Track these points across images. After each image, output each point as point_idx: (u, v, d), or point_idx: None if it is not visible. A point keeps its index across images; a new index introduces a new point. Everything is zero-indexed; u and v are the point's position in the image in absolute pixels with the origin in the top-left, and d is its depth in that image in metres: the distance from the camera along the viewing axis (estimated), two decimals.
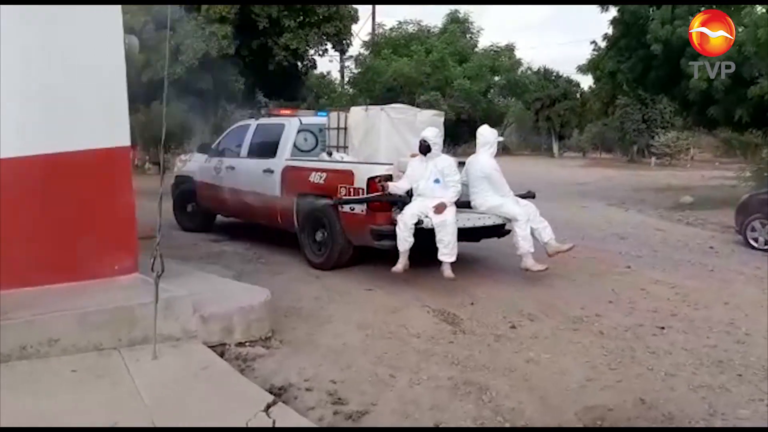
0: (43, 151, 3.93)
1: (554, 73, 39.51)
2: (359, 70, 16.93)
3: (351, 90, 16.81)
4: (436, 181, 6.07)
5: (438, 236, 5.78)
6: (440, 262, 5.84)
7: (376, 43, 18.40)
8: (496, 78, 18.01)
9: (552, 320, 5.07)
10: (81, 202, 4.11)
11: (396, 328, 4.81)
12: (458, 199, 6.16)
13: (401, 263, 5.87)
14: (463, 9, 19.22)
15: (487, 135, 6.54)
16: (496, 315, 5.19)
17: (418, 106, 15.57)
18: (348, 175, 6.35)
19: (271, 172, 7.49)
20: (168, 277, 4.79)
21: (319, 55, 18.11)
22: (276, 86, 18.78)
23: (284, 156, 7.53)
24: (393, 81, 15.59)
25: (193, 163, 9.43)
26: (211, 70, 15.71)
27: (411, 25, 18.28)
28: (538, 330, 4.81)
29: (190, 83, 15.50)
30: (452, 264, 5.86)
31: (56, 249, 4.02)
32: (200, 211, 9.22)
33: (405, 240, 5.79)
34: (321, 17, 16.27)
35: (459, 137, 18.88)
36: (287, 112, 8.63)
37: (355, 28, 18.40)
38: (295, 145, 7.64)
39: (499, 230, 6.61)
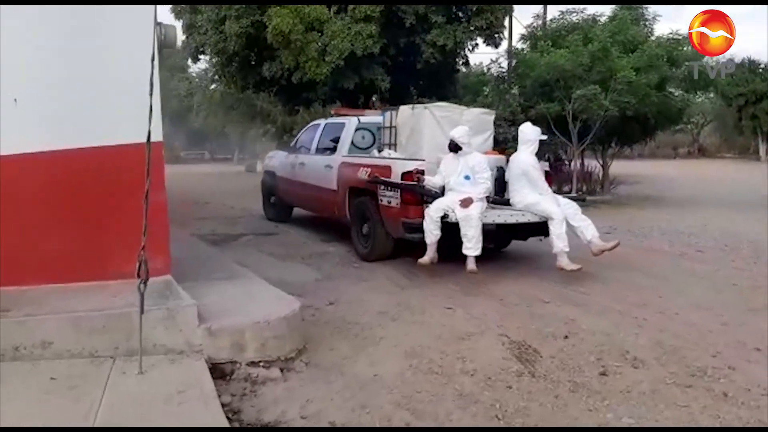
0: (70, 145, 3.81)
1: (761, 66, 34.05)
2: (511, 63, 15.74)
3: (500, 86, 15.69)
4: (466, 177, 6.25)
5: (462, 230, 5.93)
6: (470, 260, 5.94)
7: (534, 35, 17.07)
8: (674, 70, 15.64)
9: (663, 369, 3.86)
10: (110, 198, 3.94)
11: (452, 360, 3.99)
12: (496, 197, 6.55)
13: (428, 255, 6.07)
14: None
15: (528, 133, 6.60)
16: (589, 355, 4.11)
17: (572, 102, 14.16)
18: (387, 170, 6.63)
19: (330, 167, 8.00)
20: (202, 281, 4.61)
21: (469, 50, 17.25)
22: (427, 84, 18.34)
23: (342, 153, 8.05)
24: (546, 75, 14.22)
25: (276, 159, 10.42)
26: (357, 70, 15.74)
27: (575, 14, 16.62)
28: (635, 382, 3.66)
29: (336, 83, 15.69)
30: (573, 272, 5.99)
31: (82, 247, 3.89)
32: (280, 203, 10.19)
33: (431, 232, 6.00)
34: (471, 11, 15.43)
35: (625, 136, 16.82)
36: (347, 111, 9.44)
37: (509, 19, 17.30)
38: (353, 143, 8.11)
39: (543, 228, 6.39)
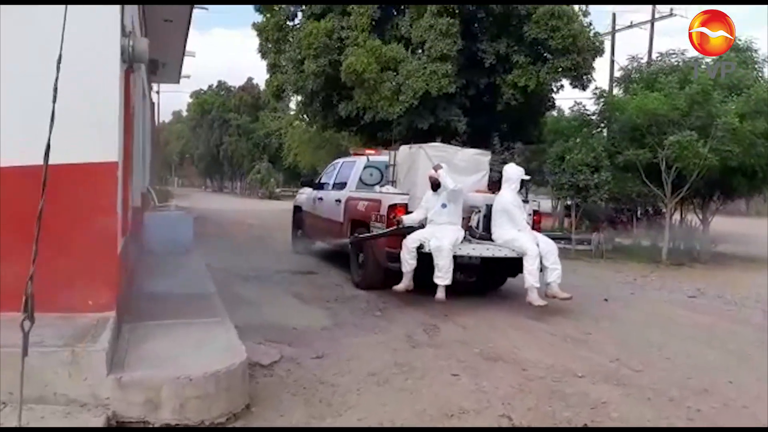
0: (12, 163, 3.48)
1: None
2: (598, 106, 14.56)
3: (583, 129, 14.51)
4: (443, 205, 6.67)
5: (435, 260, 6.31)
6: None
7: (628, 77, 15.85)
8: None
9: None
10: (53, 221, 3.55)
11: None
12: (483, 233, 6.88)
13: (403, 283, 6.54)
14: (744, 35, 15.42)
15: (509, 172, 6.99)
16: None
17: (664, 148, 12.75)
18: (378, 204, 7.26)
19: (339, 201, 8.55)
20: (160, 322, 4.11)
21: (554, 92, 16.25)
22: (508, 127, 17.50)
23: (351, 188, 8.64)
24: (636, 119, 12.96)
25: (303, 195, 11.08)
26: (433, 110, 15.25)
27: (674, 56, 15.28)
28: None
29: (411, 123, 15.27)
30: None
31: (15, 273, 3.50)
32: (305, 236, 10.61)
33: (407, 262, 6.45)
34: (555, 50, 14.55)
35: (729, 189, 14.94)
36: (362, 151, 9.82)
37: (600, 61, 16.17)
38: (361, 180, 8.70)
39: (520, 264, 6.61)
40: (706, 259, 12.82)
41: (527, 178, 7.26)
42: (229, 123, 47.20)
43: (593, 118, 14.64)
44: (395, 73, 14.55)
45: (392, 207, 6.91)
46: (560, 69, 14.85)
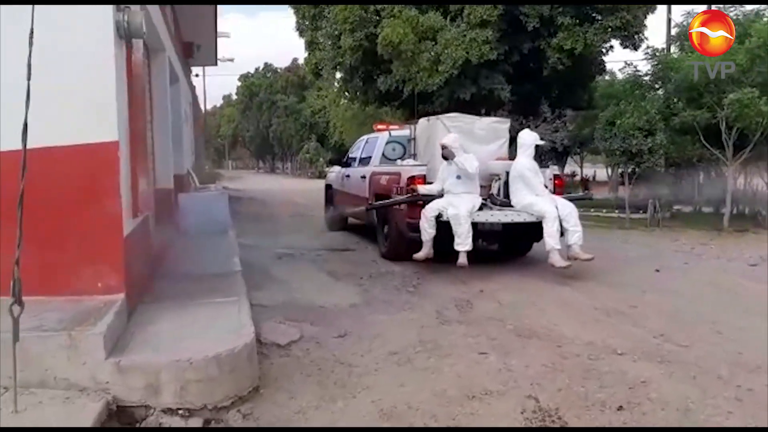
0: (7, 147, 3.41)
1: None
2: (652, 66, 13.67)
3: (635, 91, 13.66)
4: (458, 177, 6.76)
5: (453, 228, 6.46)
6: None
7: (685, 35, 14.82)
8: None
9: None
10: (56, 204, 3.49)
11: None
12: (505, 199, 6.99)
13: (423, 251, 6.71)
14: None
15: (524, 138, 7.04)
16: None
17: (723, 108, 11.85)
18: (398, 176, 7.37)
19: (365, 177, 8.60)
20: (173, 303, 4.03)
21: (603, 54, 15.39)
22: (557, 93, 16.78)
23: (374, 164, 8.85)
24: (692, 78, 12.10)
25: (332, 174, 11.25)
26: (475, 79, 14.74)
27: (732, 9, 14.16)
28: None
29: (452, 93, 14.82)
30: None
31: (25, 256, 3.46)
32: (335, 213, 10.60)
33: (426, 231, 6.62)
34: (603, 8, 13.72)
35: None
36: (385, 126, 9.86)
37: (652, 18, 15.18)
38: (384, 155, 8.86)
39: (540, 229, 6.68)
40: None
41: (542, 143, 7.33)
42: (277, 104, 47.56)
43: (646, 79, 13.76)
44: (434, 43, 14.11)
45: (411, 179, 7.05)
46: (609, 29, 14.05)
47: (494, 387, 3.49)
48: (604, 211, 15.02)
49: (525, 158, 6.89)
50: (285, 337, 4.18)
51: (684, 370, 3.77)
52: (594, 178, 31.52)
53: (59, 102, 3.40)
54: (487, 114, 17.15)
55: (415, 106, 15.61)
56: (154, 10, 6.24)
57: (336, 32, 15.48)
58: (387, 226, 7.79)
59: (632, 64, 13.82)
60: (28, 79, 2.62)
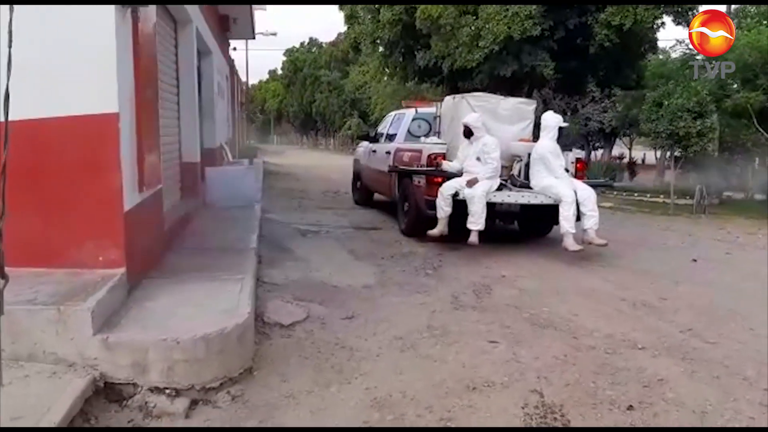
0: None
1: None
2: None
3: (685, 71, 12.95)
4: (477, 158, 6.80)
5: (468, 207, 6.56)
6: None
7: (742, 12, 13.95)
8: None
9: None
10: (57, 176, 3.46)
11: (428, 423, 2.84)
12: (525, 180, 6.98)
13: (438, 228, 6.78)
14: None
15: (547, 120, 6.97)
16: None
17: None
18: (419, 154, 7.52)
19: (389, 153, 8.65)
20: (174, 278, 3.99)
21: (654, 30, 14.63)
22: (604, 71, 16.12)
23: (399, 140, 8.86)
24: (747, 57, 11.37)
25: (360, 149, 11.27)
26: (517, 56, 14.26)
27: None
28: None
29: (492, 70, 14.39)
30: None
31: (27, 228, 3.45)
32: (362, 188, 10.91)
33: (442, 208, 6.70)
34: None
35: None
36: (413, 103, 9.71)
37: None
38: (409, 131, 8.82)
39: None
40: None
41: (565, 125, 7.20)
42: (320, 79, 47.51)
43: (698, 58, 13.01)
44: (474, 17, 13.70)
45: (431, 156, 7.24)
46: (661, 4, 13.29)
47: (498, 378, 3.33)
48: (648, 196, 14.45)
49: (548, 140, 6.84)
50: (290, 317, 4.10)
51: (707, 369, 3.52)
52: (644, 161, 30.50)
53: (58, 73, 3.36)
54: (530, 92, 16.67)
55: (456, 83, 15.27)
56: None
57: (375, 5, 15.19)
58: (407, 203, 7.82)
59: (683, 41, 13.10)
60: (9, 46, 2.54)
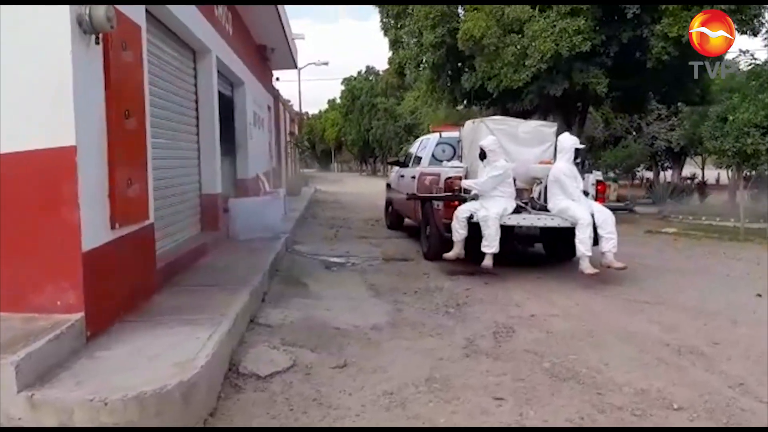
0: None
1: None
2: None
3: (753, 83, 11.84)
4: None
5: (482, 230, 6.52)
6: None
7: None
8: None
9: None
10: (14, 216, 3.24)
11: None
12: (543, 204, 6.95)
13: (454, 251, 6.78)
14: None
15: (564, 142, 6.91)
16: None
17: None
18: (438, 177, 7.59)
19: (414, 177, 8.81)
20: (143, 322, 3.68)
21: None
22: (666, 88, 15.13)
23: (424, 165, 8.93)
24: None
25: (392, 174, 11.45)
26: (568, 74, 13.55)
27: None
28: None
29: (542, 89, 13.73)
30: None
31: None
32: (393, 213, 11.13)
33: (457, 231, 6.69)
34: None
35: None
36: (440, 128, 9.81)
37: None
38: (434, 156, 8.86)
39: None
40: None
41: (581, 147, 7.09)
42: (377, 107, 47.74)
43: (767, 68, 11.95)
44: (520, 36, 13.12)
45: (448, 180, 7.24)
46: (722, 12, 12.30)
47: None
48: (718, 219, 13.27)
49: (563, 162, 6.79)
50: (270, 366, 3.70)
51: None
52: (717, 181, 28.57)
53: (11, 108, 3.16)
54: (584, 110, 15.85)
55: (505, 104, 14.68)
56: (188, 10, 6.04)
57: (418, 29, 14.91)
58: (429, 227, 7.87)
59: (748, 51, 12.06)
60: None
